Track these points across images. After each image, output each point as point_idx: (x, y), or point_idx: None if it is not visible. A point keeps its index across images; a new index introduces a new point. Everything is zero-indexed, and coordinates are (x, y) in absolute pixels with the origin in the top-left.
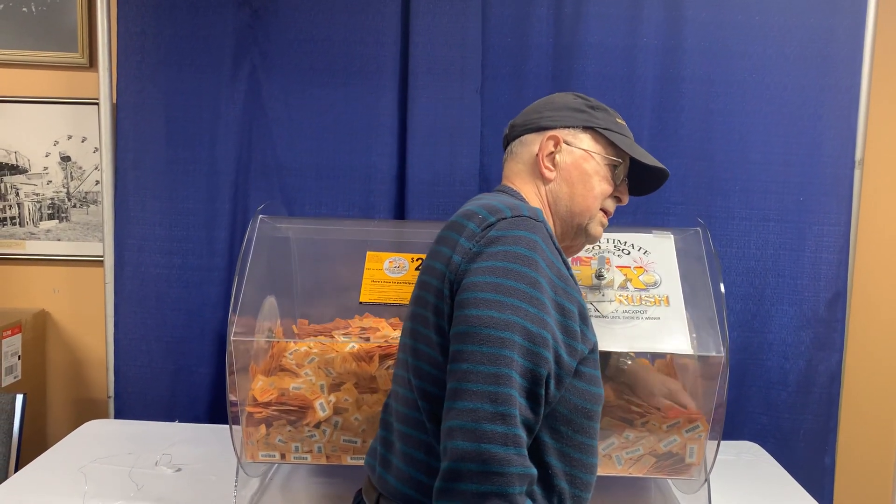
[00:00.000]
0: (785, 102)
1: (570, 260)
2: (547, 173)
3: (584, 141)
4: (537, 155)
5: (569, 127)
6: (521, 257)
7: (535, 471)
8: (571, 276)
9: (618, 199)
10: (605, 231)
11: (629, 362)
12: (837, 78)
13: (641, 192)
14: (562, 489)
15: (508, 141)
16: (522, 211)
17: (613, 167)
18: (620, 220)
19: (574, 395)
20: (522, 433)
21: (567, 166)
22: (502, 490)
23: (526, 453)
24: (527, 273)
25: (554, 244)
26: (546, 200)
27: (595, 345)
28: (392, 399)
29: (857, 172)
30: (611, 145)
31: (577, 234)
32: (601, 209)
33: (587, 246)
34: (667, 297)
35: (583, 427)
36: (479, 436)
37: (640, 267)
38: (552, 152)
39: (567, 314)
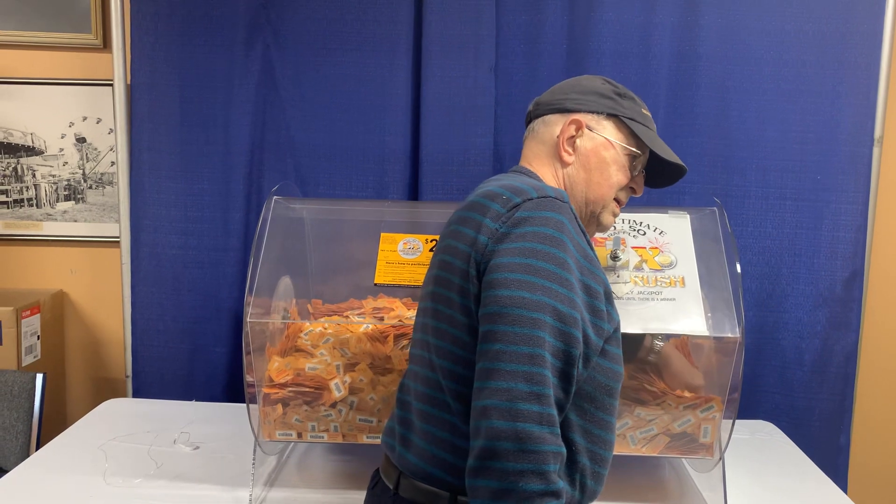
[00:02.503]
0: (803, 79)
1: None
2: (566, 157)
3: (607, 128)
4: (558, 137)
5: (593, 112)
6: (549, 238)
7: (565, 449)
8: (595, 256)
9: (632, 191)
10: (620, 210)
11: (661, 345)
12: (857, 54)
13: (657, 184)
14: (583, 465)
15: (531, 118)
16: (547, 192)
17: (632, 158)
18: (636, 200)
19: (599, 373)
20: (555, 412)
21: (586, 152)
22: (538, 468)
23: (559, 432)
24: (555, 254)
25: (579, 225)
26: (563, 184)
27: (618, 324)
28: (409, 379)
29: (875, 150)
30: (632, 136)
31: (589, 222)
32: (614, 199)
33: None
34: (682, 278)
35: (604, 404)
36: (514, 415)
37: (656, 247)
38: (573, 136)
39: (593, 294)
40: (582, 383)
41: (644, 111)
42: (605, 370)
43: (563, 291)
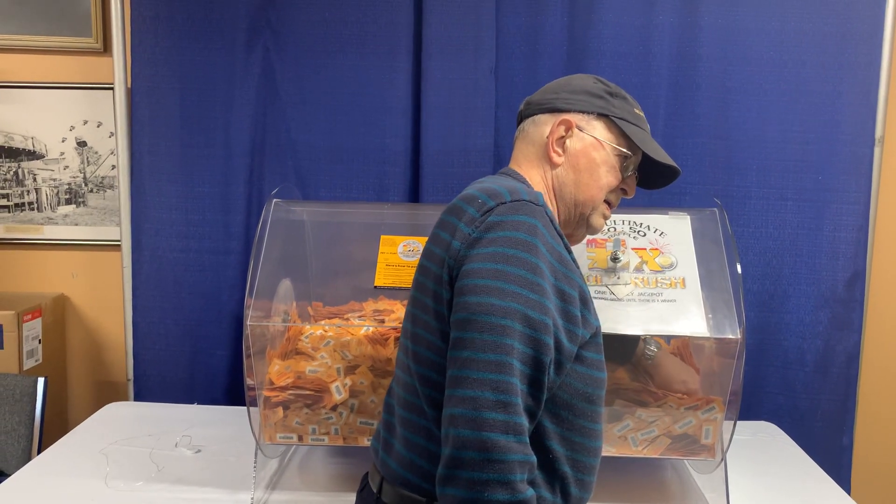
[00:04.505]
0: (803, 80)
1: (584, 241)
2: (555, 158)
3: (597, 129)
4: (548, 138)
5: (583, 112)
6: (521, 243)
7: (535, 458)
8: (573, 259)
9: (623, 192)
10: (620, 212)
11: (656, 350)
12: (857, 54)
13: (651, 185)
14: (564, 473)
15: (522, 118)
16: (522, 195)
17: (623, 159)
18: (636, 201)
19: (575, 379)
20: (523, 421)
21: (576, 152)
22: (503, 477)
23: (527, 440)
24: (527, 258)
25: (555, 228)
26: (551, 185)
27: (598, 329)
28: (395, 383)
29: (876, 150)
30: (623, 136)
31: (578, 224)
32: (605, 201)
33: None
34: (683, 279)
35: (584, 411)
36: (479, 424)
37: (656, 249)
38: (563, 137)
39: (568, 299)
40: (556, 390)
41: (636, 111)
42: (582, 376)
43: (534, 297)
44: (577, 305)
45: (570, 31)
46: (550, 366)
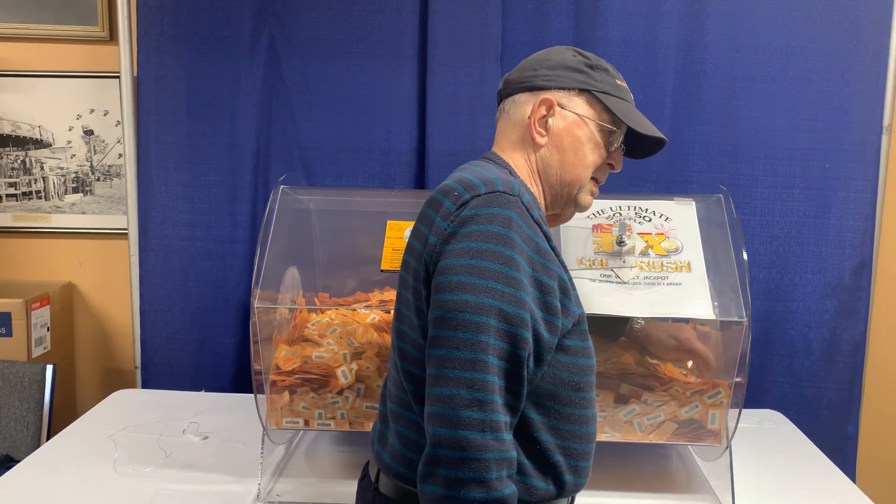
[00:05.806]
0: (811, 68)
1: (594, 229)
2: (538, 139)
3: (579, 105)
4: (529, 118)
5: (564, 88)
6: (495, 236)
7: (514, 454)
8: (552, 248)
9: (611, 167)
10: (625, 198)
11: (642, 322)
12: (865, 42)
13: (638, 155)
14: (556, 462)
15: (502, 97)
16: (497, 185)
17: (608, 134)
18: (642, 188)
19: (558, 369)
20: (500, 417)
21: (559, 131)
22: (479, 476)
23: (505, 437)
24: (502, 252)
25: (532, 217)
26: (536, 168)
27: (581, 316)
28: (387, 377)
29: (884, 138)
30: (607, 110)
31: (566, 204)
32: (592, 177)
33: (597, 217)
34: (688, 264)
35: (572, 399)
36: (455, 422)
37: (662, 233)
38: (545, 116)
39: (546, 290)
40: (539, 382)
41: (619, 82)
42: (566, 366)
43: (510, 291)
44: (556, 296)
45: (576, 18)
46: (529, 359)
